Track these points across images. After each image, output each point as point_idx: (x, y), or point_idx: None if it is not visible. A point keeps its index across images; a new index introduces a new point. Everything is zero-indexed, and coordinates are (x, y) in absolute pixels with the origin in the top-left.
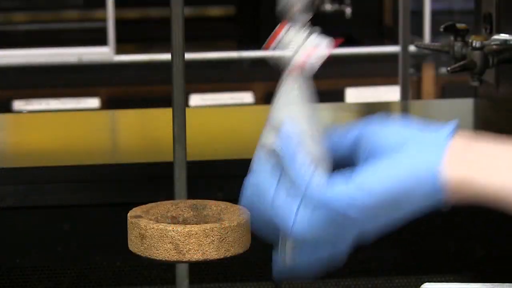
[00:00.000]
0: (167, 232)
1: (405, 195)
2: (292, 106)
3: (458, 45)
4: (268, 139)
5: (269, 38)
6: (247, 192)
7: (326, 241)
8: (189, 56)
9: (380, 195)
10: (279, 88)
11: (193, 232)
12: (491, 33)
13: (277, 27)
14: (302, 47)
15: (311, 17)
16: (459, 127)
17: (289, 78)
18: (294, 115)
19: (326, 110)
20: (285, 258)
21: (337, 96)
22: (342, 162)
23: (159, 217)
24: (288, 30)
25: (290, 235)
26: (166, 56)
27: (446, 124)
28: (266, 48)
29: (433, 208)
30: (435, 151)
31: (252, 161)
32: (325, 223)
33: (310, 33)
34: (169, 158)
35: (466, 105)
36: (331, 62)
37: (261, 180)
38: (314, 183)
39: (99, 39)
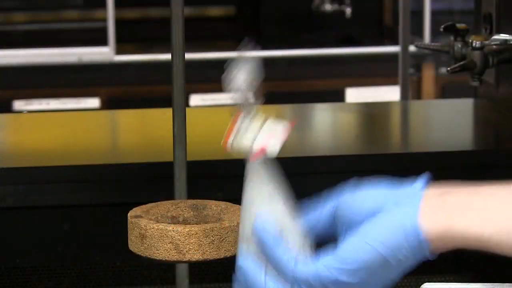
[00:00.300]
0: (167, 232)
1: (392, 253)
2: (262, 196)
3: (458, 45)
4: (247, 232)
5: (225, 133)
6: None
7: None
8: (189, 56)
9: (367, 260)
10: (246, 180)
11: (193, 232)
12: (491, 33)
13: (231, 120)
14: (259, 135)
15: (262, 102)
16: (430, 180)
17: (252, 167)
18: (265, 205)
19: (326, 110)
20: None
21: (337, 96)
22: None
23: (159, 217)
24: (242, 120)
25: None
26: (166, 56)
27: (417, 178)
28: (224, 145)
29: (421, 260)
30: (411, 205)
31: (237, 251)
32: None
33: (264, 119)
34: (169, 158)
35: (466, 105)
36: (331, 62)
37: (249, 272)
38: (300, 265)
39: (99, 39)
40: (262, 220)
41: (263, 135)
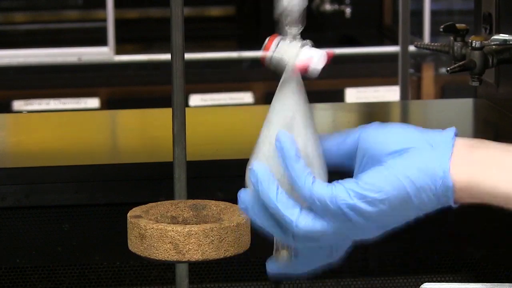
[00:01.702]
0: (167, 232)
1: (417, 192)
2: (289, 113)
3: (458, 45)
4: (266, 146)
5: (263, 48)
6: (248, 190)
7: (326, 246)
8: (189, 56)
9: (391, 194)
10: (276, 93)
11: (193, 232)
12: (491, 33)
13: (268, 38)
14: (301, 52)
15: (302, 28)
16: (458, 132)
17: (285, 84)
18: (290, 122)
19: (326, 110)
20: (280, 263)
21: (337, 96)
22: (339, 168)
23: (159, 217)
24: (279, 41)
25: (289, 238)
26: (166, 56)
27: (445, 128)
28: (263, 59)
29: (442, 207)
30: (443, 150)
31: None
32: (328, 228)
33: (303, 44)
34: (169, 158)
35: (466, 105)
36: (331, 62)
37: (262, 181)
38: (318, 184)
39: (99, 39)
40: (286, 134)
41: (305, 53)
